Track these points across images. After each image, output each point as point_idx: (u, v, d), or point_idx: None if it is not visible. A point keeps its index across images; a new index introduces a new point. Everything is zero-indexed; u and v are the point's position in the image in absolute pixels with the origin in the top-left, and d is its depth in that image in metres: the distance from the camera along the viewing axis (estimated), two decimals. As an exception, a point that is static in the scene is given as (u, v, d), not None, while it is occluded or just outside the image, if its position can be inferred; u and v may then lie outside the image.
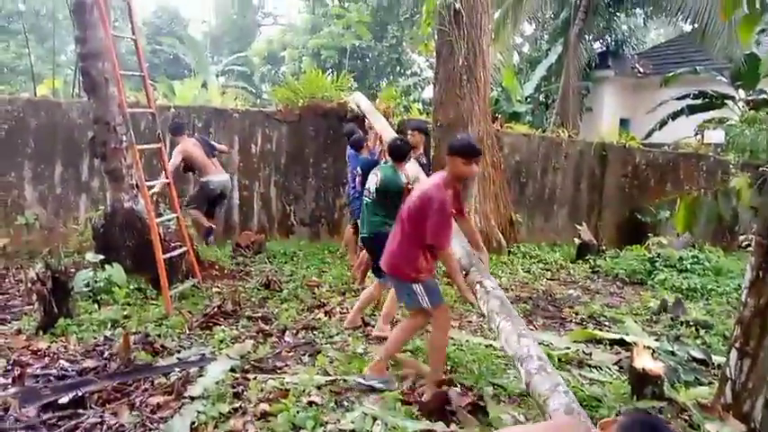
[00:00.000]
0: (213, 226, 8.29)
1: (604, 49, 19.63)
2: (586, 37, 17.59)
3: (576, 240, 9.82)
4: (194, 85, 14.76)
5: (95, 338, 4.92)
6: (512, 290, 7.46)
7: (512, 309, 3.76)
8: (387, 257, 4.18)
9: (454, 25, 8.80)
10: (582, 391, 4.07)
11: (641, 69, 19.05)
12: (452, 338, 5.24)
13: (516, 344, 3.33)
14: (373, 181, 5.53)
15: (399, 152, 5.51)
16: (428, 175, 6.60)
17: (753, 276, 3.50)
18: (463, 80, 8.85)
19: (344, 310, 6.07)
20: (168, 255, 6.06)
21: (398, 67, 25.41)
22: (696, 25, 13.94)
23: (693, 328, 5.91)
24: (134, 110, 6.71)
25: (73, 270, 6.03)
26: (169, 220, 6.79)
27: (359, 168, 6.86)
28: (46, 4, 25.05)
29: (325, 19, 24.37)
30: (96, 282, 5.84)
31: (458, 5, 8.74)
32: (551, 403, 2.83)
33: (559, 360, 4.83)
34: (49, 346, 4.69)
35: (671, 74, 14.47)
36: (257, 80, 28.96)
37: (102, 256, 6.03)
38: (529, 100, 18.66)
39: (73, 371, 4.22)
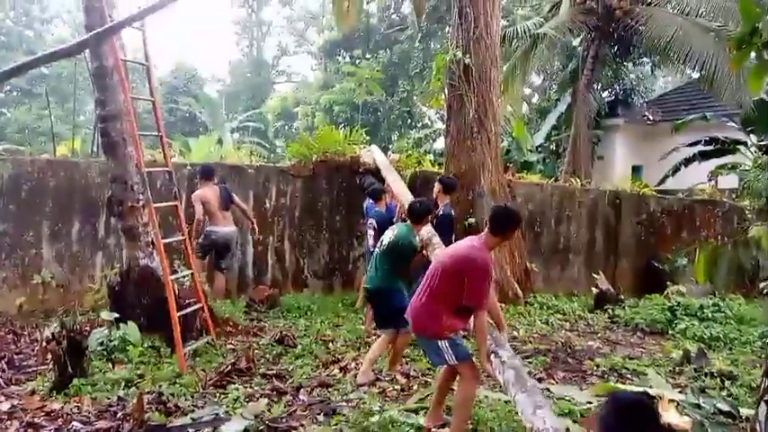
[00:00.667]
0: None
1: (613, 97, 19.84)
2: (595, 86, 17.79)
3: (594, 290, 9.69)
4: (209, 142, 15.08)
5: (109, 399, 4.88)
6: (530, 342, 7.33)
7: (527, 379, 3.77)
8: (412, 316, 4.25)
9: (464, 80, 8.97)
10: (606, 448, 3.92)
11: (651, 117, 19.17)
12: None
13: (532, 415, 3.31)
14: (388, 236, 5.66)
15: (417, 214, 5.58)
16: (451, 225, 6.67)
17: (777, 326, 3.41)
18: (474, 132, 8.96)
19: (359, 366, 5.98)
20: (182, 312, 6.05)
21: (409, 120, 25.82)
22: (704, 73, 14.07)
23: (718, 380, 5.75)
24: (151, 169, 6.82)
25: (88, 329, 6.04)
26: (184, 277, 6.81)
27: (374, 222, 6.89)
28: (67, 68, 25.89)
29: (337, 76, 24.94)
30: (111, 340, 5.83)
31: (467, 61, 8.93)
32: None
33: (582, 416, 4.69)
34: (63, 407, 4.66)
35: (681, 121, 14.53)
36: (271, 136, 29.50)
37: (116, 315, 6.03)
38: (540, 149, 18.78)
39: (85, 432, 4.18)
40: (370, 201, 7.91)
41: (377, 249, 5.77)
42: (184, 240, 6.67)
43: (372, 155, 9.55)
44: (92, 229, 8.39)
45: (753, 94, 13.20)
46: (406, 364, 6.04)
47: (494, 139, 9.23)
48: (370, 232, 7.33)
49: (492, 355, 3.98)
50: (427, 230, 6.13)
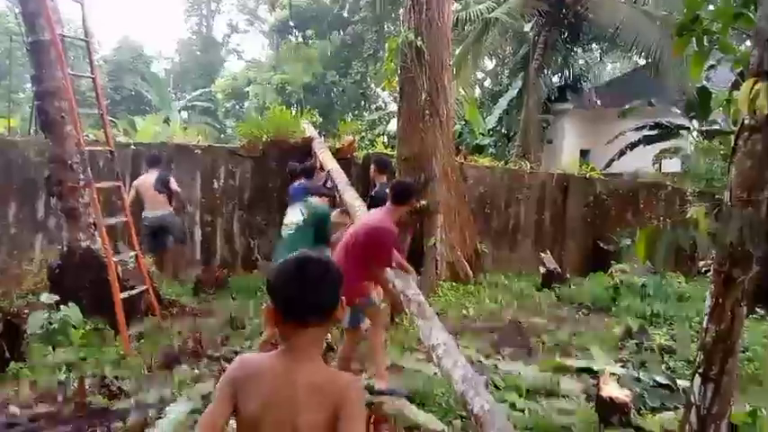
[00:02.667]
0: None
1: (563, 82, 20.18)
2: (545, 71, 18.05)
3: (541, 269, 9.89)
4: (156, 122, 14.66)
5: (49, 382, 4.72)
6: (479, 320, 7.45)
7: (429, 310, 4.50)
8: None
9: (416, 62, 8.94)
10: (550, 421, 4.03)
11: (599, 102, 19.60)
12: (420, 371, 5.21)
13: (429, 335, 4.15)
14: (299, 212, 5.65)
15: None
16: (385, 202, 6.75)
17: (713, 303, 3.54)
18: (426, 115, 8.96)
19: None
20: (126, 294, 5.90)
21: (363, 102, 25.70)
22: (650, 60, 14.44)
23: (658, 354, 5.97)
24: (92, 148, 6.57)
25: (27, 312, 5.81)
26: (129, 259, 6.62)
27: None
28: (3, 43, 24.72)
29: (289, 56, 24.59)
30: (51, 323, 5.62)
31: (419, 43, 8.90)
32: (454, 375, 3.65)
33: (528, 390, 4.80)
34: (-1, 392, 4.49)
35: (627, 106, 14.89)
36: (221, 116, 28.92)
37: (57, 297, 5.83)
38: (491, 133, 18.99)
39: (24, 417, 4.04)
40: (300, 181, 7.81)
41: (287, 231, 5.64)
42: (128, 222, 6.47)
43: (307, 130, 9.71)
44: (30, 211, 8.07)
45: (694, 81, 13.66)
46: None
47: (446, 122, 9.26)
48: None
49: (401, 295, 4.66)
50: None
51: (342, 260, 4.49)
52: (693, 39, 3.66)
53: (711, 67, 9.38)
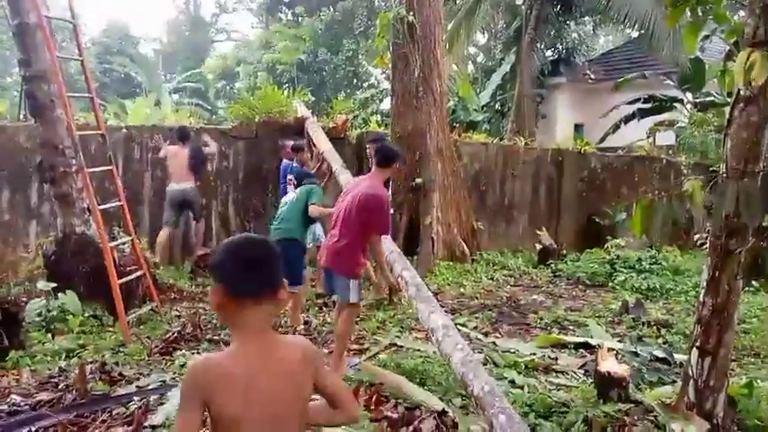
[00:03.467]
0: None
1: (556, 56, 20.01)
2: (538, 45, 17.89)
3: (537, 246, 9.93)
4: (147, 104, 14.51)
5: (49, 370, 4.74)
6: (476, 298, 7.48)
7: (427, 293, 4.62)
8: (329, 255, 4.71)
9: (408, 38, 8.85)
10: (549, 397, 4.07)
11: (592, 76, 19.47)
12: (419, 350, 5.24)
13: (428, 319, 4.24)
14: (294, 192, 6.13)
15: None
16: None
17: (709, 276, 3.56)
18: (420, 92, 8.90)
19: (308, 328, 6.00)
20: (124, 279, 5.88)
21: (355, 80, 25.47)
22: (643, 32, 14.34)
23: (655, 328, 6.01)
24: (83, 132, 6.50)
25: (24, 299, 5.81)
26: (123, 244, 6.59)
27: (294, 178, 6.90)
28: (-11, 26, 24.33)
29: (279, 34, 24.29)
30: (49, 311, 5.63)
31: (411, 19, 8.81)
32: (453, 358, 3.69)
33: (526, 367, 4.84)
34: (0, 381, 4.48)
35: (621, 79, 14.82)
36: (212, 97, 28.65)
37: (54, 284, 5.81)
38: (485, 109, 18.88)
39: (26, 405, 4.05)
40: (288, 159, 7.88)
41: (281, 208, 6.08)
42: (122, 206, 6.42)
43: (299, 110, 9.69)
44: (23, 197, 8.00)
45: (688, 53, 13.58)
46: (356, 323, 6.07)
47: (439, 98, 9.19)
48: (290, 188, 7.20)
49: (399, 278, 4.77)
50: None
51: (343, 232, 4.62)
52: (687, 9, 3.63)
53: (706, 37, 9.33)
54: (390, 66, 9.59)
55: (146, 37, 35.17)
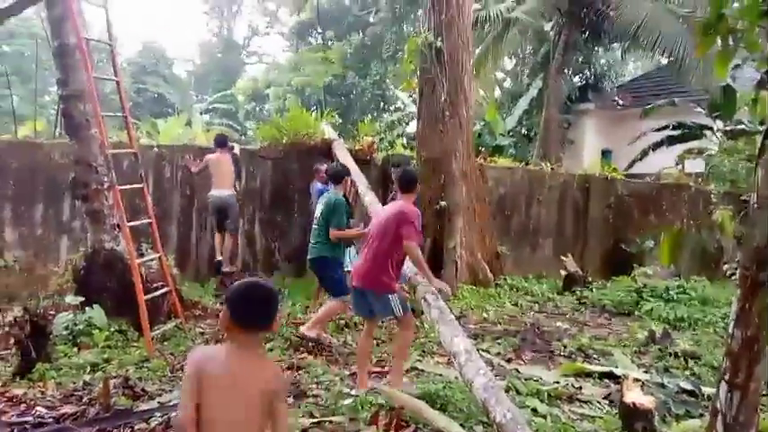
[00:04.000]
0: (220, 259, 8.55)
1: (584, 82, 19.98)
2: (566, 71, 17.89)
3: (562, 272, 9.82)
4: (178, 124, 14.77)
5: (74, 383, 4.79)
6: (500, 323, 7.40)
7: (450, 316, 4.61)
8: (362, 275, 4.80)
9: (436, 63, 8.93)
10: (573, 427, 4.00)
11: (621, 102, 19.37)
12: (441, 375, 5.19)
13: (450, 342, 4.22)
14: (319, 208, 6.17)
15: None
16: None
17: (739, 308, 3.47)
18: (446, 116, 8.94)
19: (330, 348, 5.99)
20: (150, 296, 5.96)
21: (382, 103, 25.69)
22: (672, 59, 14.24)
23: (682, 359, 5.88)
24: (116, 150, 6.66)
25: (52, 313, 5.92)
26: (151, 260, 6.69)
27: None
28: (30, 47, 25.13)
29: (309, 57, 24.64)
30: (76, 324, 5.73)
31: (439, 44, 8.88)
32: (475, 383, 3.67)
33: (549, 395, 4.75)
34: (26, 393, 4.56)
35: (650, 106, 14.71)
36: (242, 117, 29.11)
37: (82, 298, 5.92)
38: (511, 133, 18.86)
39: (50, 417, 4.10)
40: (322, 183, 7.89)
41: (314, 223, 6.21)
42: (151, 223, 6.54)
43: (326, 132, 9.80)
44: (56, 212, 8.19)
45: (718, 80, 13.44)
46: (377, 345, 6.05)
47: (465, 123, 9.23)
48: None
49: (422, 300, 4.81)
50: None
51: (376, 252, 4.74)
52: (718, 38, 3.59)
53: (737, 66, 9.22)
54: (417, 90, 9.65)
55: (179, 58, 36.04)
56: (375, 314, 4.94)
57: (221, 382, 2.12)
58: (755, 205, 3.43)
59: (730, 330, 3.61)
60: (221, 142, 8.59)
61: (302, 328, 6.04)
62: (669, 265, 3.50)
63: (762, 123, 10.01)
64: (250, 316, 2.20)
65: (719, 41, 3.62)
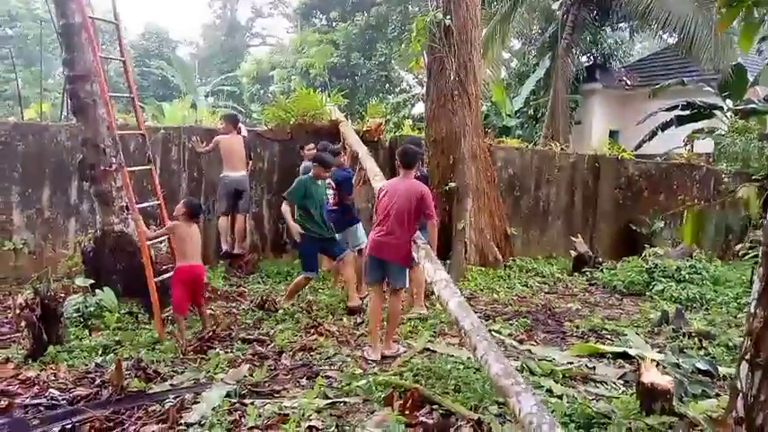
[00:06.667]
0: (227, 249, 8.49)
1: (592, 62, 19.79)
2: (574, 51, 17.70)
3: (572, 253, 9.76)
4: (183, 106, 14.71)
5: (86, 365, 4.78)
6: (511, 305, 7.36)
7: (433, 254, 4.98)
8: (386, 248, 5.12)
9: (445, 42, 8.80)
10: (589, 407, 3.96)
11: (628, 82, 19.19)
12: (453, 356, 5.16)
13: (433, 275, 4.68)
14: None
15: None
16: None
17: (761, 287, 3.41)
18: (455, 96, 8.83)
19: (340, 330, 5.97)
20: (160, 278, 5.93)
21: (387, 85, 25.50)
22: (682, 38, 14.04)
23: (696, 339, 5.82)
24: (123, 132, 6.59)
25: (63, 295, 5.89)
26: (160, 242, 6.65)
27: (332, 181, 6.92)
28: (33, 29, 25.00)
29: (314, 38, 24.42)
30: (87, 307, 5.71)
31: (447, 22, 8.75)
32: (450, 303, 4.28)
33: (564, 376, 4.72)
34: (39, 375, 4.54)
35: (659, 86, 14.56)
36: (246, 100, 28.95)
37: (92, 281, 5.91)
38: (518, 114, 18.73)
39: (63, 400, 4.09)
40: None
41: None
42: (160, 205, 6.48)
43: (333, 113, 9.68)
44: (64, 195, 8.15)
45: (729, 59, 13.26)
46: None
47: (474, 102, 9.12)
48: (330, 192, 7.22)
49: (432, 283, 4.84)
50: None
51: (399, 226, 5.06)
52: (742, 10, 3.50)
53: (763, 39, 8.99)
54: (426, 69, 9.53)
55: (183, 41, 35.87)
56: (390, 282, 5.30)
57: None
58: (780, 182, 3.36)
59: (751, 310, 3.55)
60: (234, 120, 8.54)
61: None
62: (692, 244, 3.43)
63: None
64: None
65: (743, 13, 3.53)
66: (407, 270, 5.31)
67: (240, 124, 8.82)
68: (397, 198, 5.13)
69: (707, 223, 3.23)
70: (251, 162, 8.74)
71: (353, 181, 7.59)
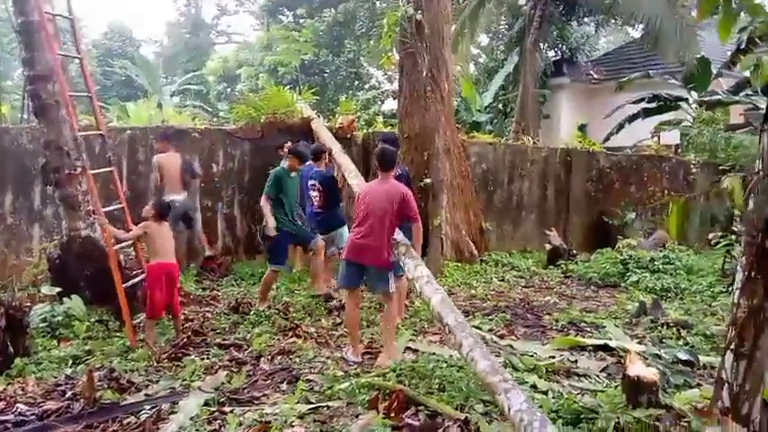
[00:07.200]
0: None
1: (559, 56, 19.92)
2: (541, 46, 17.81)
3: (547, 246, 9.80)
4: (149, 106, 14.37)
5: (56, 378, 4.60)
6: (488, 299, 7.34)
7: (414, 252, 4.95)
8: (364, 252, 4.95)
9: (416, 37, 8.73)
10: (575, 402, 3.92)
11: (595, 76, 19.37)
12: (435, 354, 5.10)
13: (414, 270, 4.69)
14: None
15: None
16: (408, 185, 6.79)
17: (744, 277, 3.42)
18: (428, 91, 8.77)
19: (319, 331, 5.86)
20: (129, 282, 5.74)
21: (357, 82, 25.32)
22: (647, 31, 14.20)
23: (674, 329, 5.87)
24: (84, 133, 6.29)
25: (28, 305, 5.69)
26: (129, 247, 6.43)
27: (317, 183, 6.84)
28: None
29: (281, 35, 24.12)
30: (54, 316, 5.50)
31: (420, 17, 8.68)
32: (433, 300, 4.28)
33: (547, 371, 4.69)
34: (5, 389, 4.35)
35: (625, 79, 14.71)
36: (213, 99, 28.47)
37: (59, 289, 5.70)
38: (488, 109, 18.78)
39: (32, 415, 3.91)
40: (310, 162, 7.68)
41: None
42: (123, 208, 6.24)
43: (305, 110, 9.58)
44: (26, 200, 7.87)
45: (695, 52, 13.47)
46: (367, 327, 5.94)
47: (447, 97, 9.09)
48: (314, 194, 7.12)
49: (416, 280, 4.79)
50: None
51: (379, 229, 4.89)
52: (721, 0, 3.49)
53: (742, 29, 9.14)
54: (398, 65, 9.46)
55: (147, 40, 35.13)
56: (370, 287, 5.28)
57: None
58: (761, 173, 3.35)
59: (735, 299, 3.55)
60: (166, 137, 8.01)
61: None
62: (678, 236, 3.44)
63: (765, 90, 10.06)
64: None
65: (722, 5, 3.52)
66: (391, 275, 5.06)
67: (196, 163, 8.42)
68: (376, 200, 5.00)
69: (692, 215, 3.22)
70: (197, 180, 8.36)
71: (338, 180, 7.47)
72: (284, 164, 7.75)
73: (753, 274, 3.40)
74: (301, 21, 25.24)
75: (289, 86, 19.70)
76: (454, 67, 14.89)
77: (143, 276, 6.03)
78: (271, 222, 6.51)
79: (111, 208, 6.21)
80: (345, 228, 7.15)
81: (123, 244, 6.27)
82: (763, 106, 11.64)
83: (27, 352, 4.91)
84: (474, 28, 16.42)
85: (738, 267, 3.49)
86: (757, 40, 8.78)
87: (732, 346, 3.52)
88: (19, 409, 3.97)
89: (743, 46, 10.63)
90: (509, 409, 3.20)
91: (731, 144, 10.16)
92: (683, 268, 8.34)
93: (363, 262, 5.01)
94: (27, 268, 7.20)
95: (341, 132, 9.19)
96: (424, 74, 8.71)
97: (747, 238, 3.44)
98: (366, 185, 5.67)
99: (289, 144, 8.11)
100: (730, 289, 7.49)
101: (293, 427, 3.65)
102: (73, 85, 8.53)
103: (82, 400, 4.04)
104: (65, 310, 5.54)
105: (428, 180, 8.64)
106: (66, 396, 4.21)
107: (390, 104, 21.47)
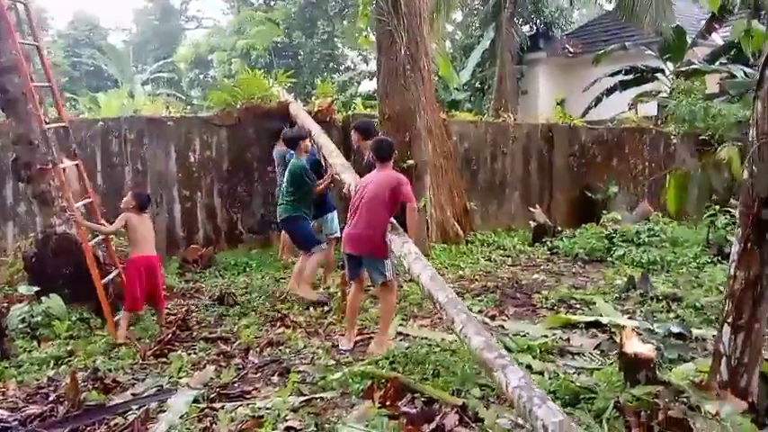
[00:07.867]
0: None
1: (534, 31, 19.80)
2: (516, 20, 17.67)
3: (531, 223, 9.77)
4: (120, 96, 14.03)
5: (38, 380, 4.45)
6: (477, 280, 7.29)
7: (401, 229, 4.86)
8: (358, 241, 4.91)
9: (393, 14, 8.51)
10: (572, 382, 3.87)
11: (571, 49, 19.29)
12: (427, 338, 5.03)
13: (401, 248, 4.61)
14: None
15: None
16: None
17: (740, 248, 3.37)
18: (407, 70, 8.58)
19: (308, 320, 5.76)
20: (109, 277, 5.58)
21: (332, 64, 25.00)
22: (623, 2, 14.12)
23: (664, 303, 5.86)
24: (49, 125, 6.00)
25: (5, 305, 5.53)
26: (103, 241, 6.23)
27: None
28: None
29: (252, 18, 23.67)
30: (33, 316, 5.33)
31: (396, -6, 8.47)
32: (422, 276, 4.24)
33: (540, 351, 4.64)
34: (-16, 395, 4.18)
35: (602, 51, 14.68)
36: (186, 86, 27.97)
37: (37, 288, 5.52)
38: (466, 87, 18.64)
39: (14, 420, 3.77)
40: (287, 148, 7.44)
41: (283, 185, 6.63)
42: (92, 202, 6.01)
43: (281, 94, 9.38)
44: (-3, 197, 7.61)
45: (670, 21, 13.43)
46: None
47: (427, 76, 8.91)
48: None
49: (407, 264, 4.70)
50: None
51: (371, 219, 4.84)
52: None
53: None
54: (375, 44, 9.25)
55: (114, 27, 34.34)
56: (371, 279, 5.10)
57: None
58: (755, 141, 3.29)
59: (731, 272, 3.50)
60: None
61: (298, 292, 6.33)
62: (677, 211, 3.38)
63: (755, 55, 10.03)
64: None
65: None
66: (387, 263, 4.91)
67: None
68: (370, 190, 4.96)
69: (691, 188, 3.16)
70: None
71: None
72: (279, 149, 7.68)
73: (749, 245, 3.36)
74: (272, 3, 24.78)
75: (263, 70, 19.43)
76: (431, 44, 14.73)
77: (117, 272, 5.86)
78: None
79: (82, 202, 5.97)
80: (334, 214, 7.04)
81: (99, 238, 6.07)
82: (739, 74, 11.71)
83: (6, 354, 4.75)
84: (449, 4, 16.18)
85: (734, 239, 3.44)
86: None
87: (729, 320, 3.49)
88: (0, 415, 3.82)
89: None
90: (507, 386, 3.11)
91: (710, 113, 10.16)
92: (667, 240, 8.35)
93: (356, 251, 4.97)
94: (2, 268, 6.99)
95: (320, 116, 9.00)
96: (403, 52, 8.51)
97: (742, 208, 3.38)
98: (364, 178, 5.52)
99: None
100: (716, 259, 7.58)
101: (287, 420, 3.55)
102: (40, 76, 8.24)
103: (66, 403, 3.89)
104: (44, 310, 5.36)
105: (411, 161, 8.51)
106: (50, 399, 4.07)
107: (367, 85, 21.21)
